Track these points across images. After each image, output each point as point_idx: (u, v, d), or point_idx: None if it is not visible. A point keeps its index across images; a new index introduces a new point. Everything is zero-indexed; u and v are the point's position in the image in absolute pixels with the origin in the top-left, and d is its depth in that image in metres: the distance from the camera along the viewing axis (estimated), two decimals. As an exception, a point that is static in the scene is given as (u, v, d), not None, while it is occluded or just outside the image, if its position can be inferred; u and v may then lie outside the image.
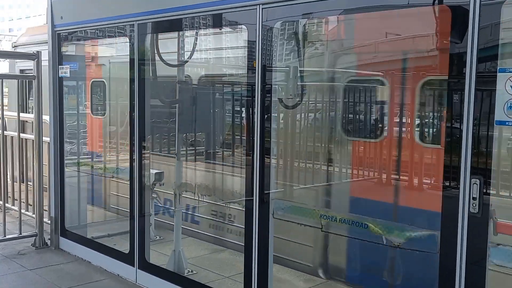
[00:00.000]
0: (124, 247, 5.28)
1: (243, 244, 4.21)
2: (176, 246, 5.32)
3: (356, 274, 4.97)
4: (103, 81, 7.32)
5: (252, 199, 4.08)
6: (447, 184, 3.26)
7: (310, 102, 5.73)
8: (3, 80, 6.19)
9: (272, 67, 4.18)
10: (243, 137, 6.44)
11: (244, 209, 4.21)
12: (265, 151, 4.05)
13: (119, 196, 6.77)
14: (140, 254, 5.06)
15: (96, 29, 5.65)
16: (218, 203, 5.94)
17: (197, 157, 6.56)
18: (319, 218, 3.76)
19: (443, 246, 3.11)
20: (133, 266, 5.10)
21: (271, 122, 4.17)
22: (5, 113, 6.32)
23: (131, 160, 5.10)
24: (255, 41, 4.00)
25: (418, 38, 4.60)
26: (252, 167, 4.08)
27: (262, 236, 4.05)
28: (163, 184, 5.81)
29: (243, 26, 4.38)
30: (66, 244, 6.03)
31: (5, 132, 6.33)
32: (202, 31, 5.73)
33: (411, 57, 4.76)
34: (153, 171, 5.55)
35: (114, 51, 6.63)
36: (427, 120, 4.92)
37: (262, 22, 3.92)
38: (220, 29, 5.93)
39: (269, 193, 4.12)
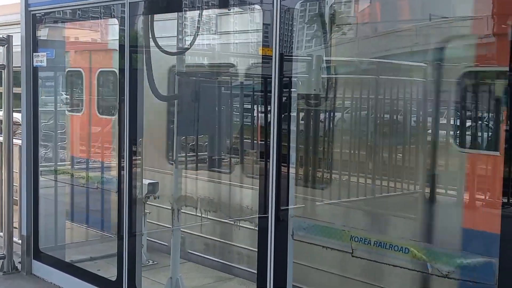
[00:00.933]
0: (111, 273, 5.29)
1: (255, 272, 4.19)
2: (173, 273, 5.32)
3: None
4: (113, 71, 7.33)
5: (267, 217, 4.06)
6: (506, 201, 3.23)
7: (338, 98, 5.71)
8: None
9: (291, 55, 4.17)
10: (254, 141, 6.45)
11: (256, 229, 4.20)
12: (283, 158, 4.05)
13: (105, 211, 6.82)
14: (129, 281, 5.06)
15: (78, 9, 5.68)
16: (224, 220, 5.95)
17: (199, 164, 6.56)
18: (349, 240, 3.74)
19: (502, 276, 3.08)
20: (121, 296, 5.11)
21: (290, 123, 4.16)
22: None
23: (119, 168, 5.11)
24: (271, 24, 3.99)
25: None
26: (265, 178, 4.06)
27: (279, 261, 4.04)
28: (158, 197, 5.82)
29: (257, 6, 4.38)
30: (40, 268, 6.05)
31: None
32: (206, 12, 5.75)
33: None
34: (146, 181, 5.56)
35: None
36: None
37: (280, 0, 3.92)
38: (229, 10, 5.95)
39: (287, 209, 4.10)
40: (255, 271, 4.20)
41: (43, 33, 6.08)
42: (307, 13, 5.35)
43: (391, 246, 3.60)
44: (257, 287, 4.20)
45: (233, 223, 5.50)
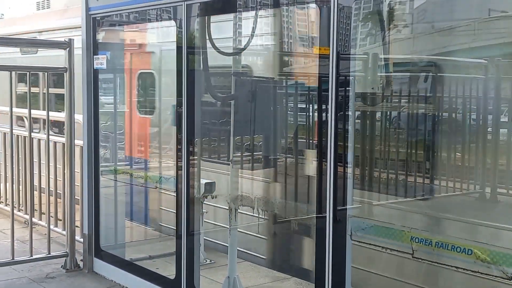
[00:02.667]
0: (169, 272, 5.34)
1: (313, 271, 4.16)
2: (231, 272, 5.33)
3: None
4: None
5: (324, 217, 4.03)
6: None
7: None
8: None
9: (349, 54, 4.12)
10: (310, 141, 6.40)
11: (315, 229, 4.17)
12: (340, 158, 4.00)
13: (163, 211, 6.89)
14: (188, 280, 5.10)
15: (137, 12, 5.76)
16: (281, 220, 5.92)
17: (254, 164, 6.56)
18: (409, 241, 3.67)
19: None
20: (180, 294, 5.16)
21: (348, 122, 4.11)
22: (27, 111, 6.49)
23: (177, 168, 5.16)
24: (329, 22, 3.95)
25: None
26: (321, 178, 4.02)
27: (337, 262, 3.99)
28: (215, 197, 5.84)
29: (313, 5, 4.34)
30: (101, 266, 6.17)
31: (32, 134, 6.54)
32: (261, 12, 5.74)
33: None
34: (203, 181, 5.59)
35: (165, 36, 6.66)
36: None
37: (337, -1, 3.87)
38: (283, 9, 5.93)
39: (345, 209, 4.06)
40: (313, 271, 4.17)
41: (101, 36, 6.20)
42: (361, 11, 5.29)
43: (453, 247, 3.51)
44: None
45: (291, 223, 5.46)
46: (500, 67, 4.90)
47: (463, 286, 4.59)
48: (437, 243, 3.59)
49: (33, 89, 8.43)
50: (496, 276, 3.39)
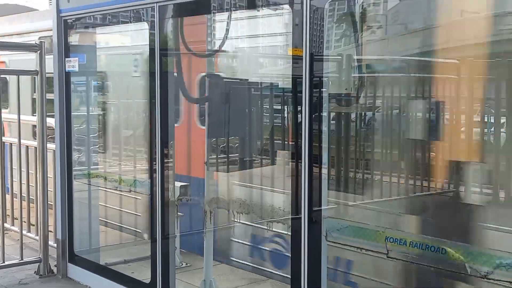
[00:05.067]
0: (145, 276, 5.31)
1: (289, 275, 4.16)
2: (207, 275, 5.32)
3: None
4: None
5: (300, 218, 4.03)
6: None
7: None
8: None
9: (322, 55, 4.14)
10: (285, 142, 6.42)
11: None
12: (315, 159, 4.01)
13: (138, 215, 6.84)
14: (163, 284, 5.07)
15: (109, 14, 5.71)
16: (254, 224, 5.92)
17: (230, 166, 6.55)
18: (384, 241, 3.69)
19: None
20: (155, 299, 5.12)
21: (321, 123, 4.12)
22: (3, 115, 6.43)
23: (151, 171, 5.13)
24: (302, 24, 3.96)
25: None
26: (297, 179, 4.03)
27: (313, 263, 4.00)
28: (190, 200, 5.82)
29: (286, 6, 4.34)
30: (75, 272, 6.11)
31: (3, 138, 6.45)
32: (235, 15, 5.73)
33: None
34: (178, 184, 5.57)
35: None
36: None
37: (310, 0, 3.89)
38: (258, 11, 5.93)
39: (320, 210, 4.06)
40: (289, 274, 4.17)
41: (74, 38, 6.14)
42: (335, 13, 5.31)
43: (427, 246, 3.54)
44: (291, 289, 4.17)
45: (266, 225, 5.47)
46: (473, 67, 4.95)
47: (438, 285, 4.63)
48: (411, 243, 3.62)
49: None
50: (470, 275, 3.42)
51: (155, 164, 5.07)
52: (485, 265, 3.32)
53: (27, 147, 6.74)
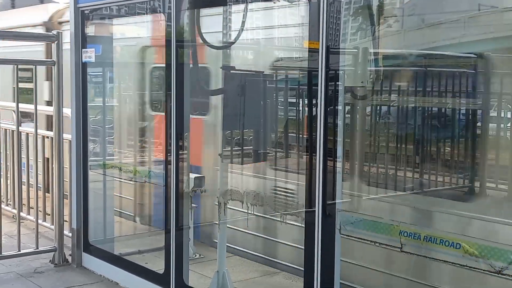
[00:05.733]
0: (158, 266, 5.34)
1: (302, 268, 4.17)
2: (220, 267, 5.34)
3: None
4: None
5: (314, 211, 4.04)
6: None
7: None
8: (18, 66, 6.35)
9: (339, 48, 4.13)
10: (300, 135, 6.41)
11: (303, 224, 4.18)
12: (329, 152, 4.01)
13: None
14: (177, 275, 5.10)
15: (125, 5, 5.74)
16: (267, 216, 5.93)
17: (244, 158, 6.56)
18: (398, 235, 3.69)
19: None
20: (169, 289, 5.16)
21: (336, 116, 4.12)
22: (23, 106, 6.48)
23: (166, 162, 5.15)
24: (318, 17, 3.95)
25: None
26: (311, 172, 4.04)
27: (326, 257, 4.00)
28: (204, 191, 5.84)
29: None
30: (90, 261, 6.16)
31: (19, 128, 6.51)
32: (251, 6, 5.73)
33: None
34: (192, 176, 5.59)
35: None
36: None
37: (327, -7, 3.87)
38: (274, 2, 5.93)
39: (334, 203, 4.07)
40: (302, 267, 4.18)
41: (91, 29, 6.17)
42: (352, 6, 5.29)
43: (441, 241, 3.53)
44: (304, 282, 4.18)
45: (280, 217, 5.48)
46: (490, 62, 4.92)
47: (452, 280, 4.62)
48: (425, 237, 3.61)
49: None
50: (484, 270, 3.42)
51: (170, 155, 5.09)
52: (499, 260, 3.32)
53: (43, 137, 6.80)
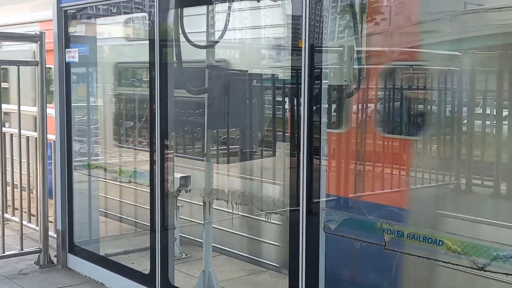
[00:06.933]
0: (144, 267, 5.34)
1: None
2: (206, 266, 5.34)
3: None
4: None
5: (298, 210, 4.05)
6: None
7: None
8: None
9: (322, 47, 4.14)
10: (286, 134, 6.42)
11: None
12: (314, 151, 4.02)
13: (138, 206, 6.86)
14: (163, 275, 5.10)
15: (109, 4, 5.72)
16: (252, 216, 5.94)
17: (230, 158, 6.56)
18: (381, 233, 3.70)
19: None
20: (155, 289, 5.16)
21: (321, 115, 4.14)
22: (5, 106, 6.46)
23: (151, 162, 5.15)
24: (301, 16, 3.97)
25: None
26: (297, 170, 4.05)
27: (311, 255, 4.02)
28: (190, 191, 5.83)
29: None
30: (75, 262, 6.14)
31: (3, 128, 6.47)
32: (235, 5, 5.74)
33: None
34: (177, 175, 5.58)
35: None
36: None
37: (309, -9, 3.89)
38: (258, 1, 5.93)
39: (318, 202, 4.08)
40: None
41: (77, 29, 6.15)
42: (339, 4, 5.31)
43: (424, 238, 3.56)
44: (289, 281, 4.19)
45: (265, 216, 5.48)
46: (475, 59, 4.95)
47: (435, 277, 4.65)
48: (408, 235, 3.63)
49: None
50: (467, 267, 3.44)
51: (155, 155, 5.09)
52: (482, 256, 3.34)
53: (27, 137, 6.77)
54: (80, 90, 6.53)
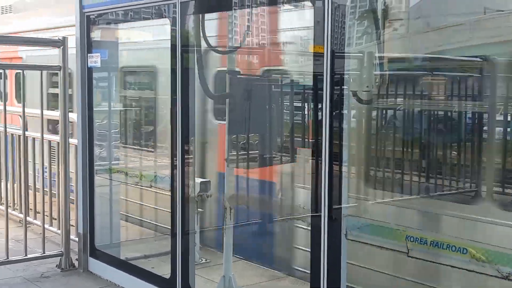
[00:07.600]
0: (164, 271, 5.33)
1: (309, 272, 4.15)
2: (226, 271, 5.33)
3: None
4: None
5: (320, 216, 4.02)
6: None
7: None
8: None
9: (343, 52, 4.12)
10: (305, 139, 6.40)
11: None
12: (335, 157, 3.99)
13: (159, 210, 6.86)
14: (183, 280, 5.10)
15: (131, 10, 5.74)
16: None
17: (250, 163, 6.55)
18: (404, 240, 3.67)
19: None
20: (175, 294, 5.15)
21: (342, 121, 4.11)
22: (27, 110, 6.50)
23: (172, 167, 5.15)
24: (323, 21, 3.95)
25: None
26: (317, 176, 4.02)
27: (332, 261, 3.99)
28: (210, 196, 5.83)
29: (308, 3, 4.33)
30: (96, 266, 6.16)
31: (26, 133, 6.52)
32: (256, 10, 5.73)
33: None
34: (198, 180, 5.58)
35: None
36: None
37: (331, -3, 3.87)
38: (278, 8, 5.93)
39: (340, 208, 4.05)
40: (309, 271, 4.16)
41: (97, 34, 6.18)
42: (357, 10, 5.28)
43: (448, 246, 3.52)
44: (310, 287, 4.16)
45: (286, 222, 5.47)
46: (496, 65, 4.89)
47: (458, 285, 4.59)
48: (432, 242, 3.59)
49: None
50: (491, 275, 3.39)
51: (176, 160, 5.09)
52: (508, 265, 3.30)
53: (49, 141, 6.81)
54: (99, 94, 6.56)
